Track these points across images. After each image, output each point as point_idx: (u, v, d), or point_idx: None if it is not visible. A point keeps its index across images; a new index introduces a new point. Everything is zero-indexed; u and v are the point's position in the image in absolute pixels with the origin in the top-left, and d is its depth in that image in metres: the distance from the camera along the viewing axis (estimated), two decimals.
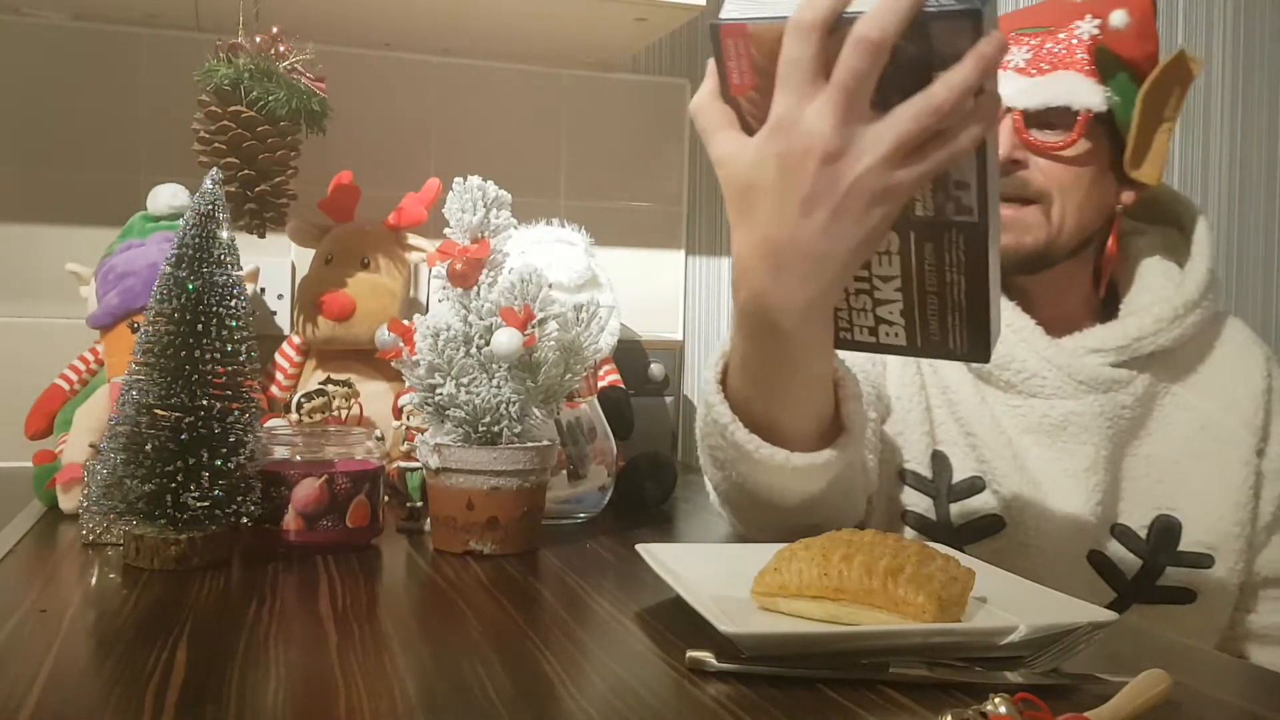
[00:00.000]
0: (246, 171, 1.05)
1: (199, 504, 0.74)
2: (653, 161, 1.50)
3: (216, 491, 0.75)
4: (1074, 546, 0.98)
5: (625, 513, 1.02)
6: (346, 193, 1.20)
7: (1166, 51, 0.99)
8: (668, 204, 1.51)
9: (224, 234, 0.78)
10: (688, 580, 0.64)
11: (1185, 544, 0.98)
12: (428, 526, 0.89)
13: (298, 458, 0.84)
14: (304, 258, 1.24)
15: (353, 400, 1.06)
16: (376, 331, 1.04)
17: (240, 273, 0.79)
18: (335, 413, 1.04)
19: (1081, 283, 1.06)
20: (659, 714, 0.49)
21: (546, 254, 1.17)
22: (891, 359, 1.03)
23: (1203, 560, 0.98)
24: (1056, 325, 1.02)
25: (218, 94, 1.04)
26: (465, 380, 0.82)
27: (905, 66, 0.58)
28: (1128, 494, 1.00)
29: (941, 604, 0.58)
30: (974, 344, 0.71)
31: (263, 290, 1.30)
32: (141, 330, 0.76)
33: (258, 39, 1.05)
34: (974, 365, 1.01)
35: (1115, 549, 0.99)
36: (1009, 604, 0.63)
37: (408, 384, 0.86)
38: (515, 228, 0.87)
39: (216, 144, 1.04)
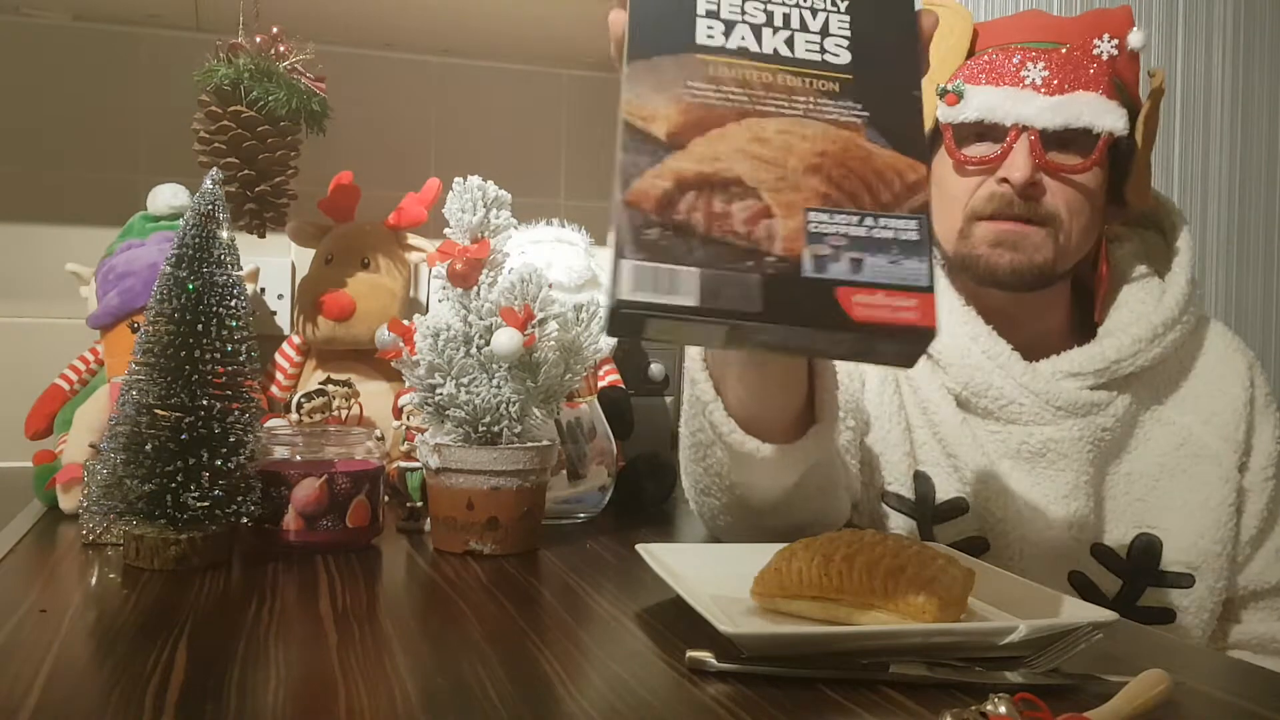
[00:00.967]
0: (246, 171, 1.05)
1: (199, 504, 0.74)
2: None
3: (216, 491, 0.75)
4: (1056, 568, 0.97)
5: (625, 513, 1.02)
6: (346, 193, 1.20)
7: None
8: None
9: (224, 234, 0.78)
10: (688, 580, 0.64)
11: (1166, 563, 0.97)
12: (428, 526, 0.89)
13: (298, 458, 0.84)
14: (304, 258, 1.24)
15: (353, 400, 1.06)
16: (376, 331, 1.03)
17: (240, 273, 0.79)
18: (335, 413, 1.04)
19: (1062, 303, 1.04)
20: (659, 714, 0.49)
21: (546, 254, 1.17)
22: (870, 375, 1.02)
23: (1183, 580, 0.97)
24: (1034, 347, 1.00)
25: (218, 94, 1.04)
26: (465, 380, 0.82)
27: None
28: (1108, 513, 0.99)
29: (942, 604, 0.58)
30: None
31: (263, 290, 1.30)
32: (141, 330, 0.76)
33: (258, 39, 1.05)
34: (953, 391, 0.99)
35: (1096, 569, 0.98)
36: (1009, 604, 0.63)
37: (408, 384, 0.86)
38: (515, 228, 0.87)
39: (216, 144, 1.04)
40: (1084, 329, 1.05)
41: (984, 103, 0.96)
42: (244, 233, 1.06)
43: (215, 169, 0.80)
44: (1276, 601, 1.01)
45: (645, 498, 1.05)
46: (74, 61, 1.26)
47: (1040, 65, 0.96)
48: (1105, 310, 1.04)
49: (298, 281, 1.22)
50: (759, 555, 0.66)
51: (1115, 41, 0.96)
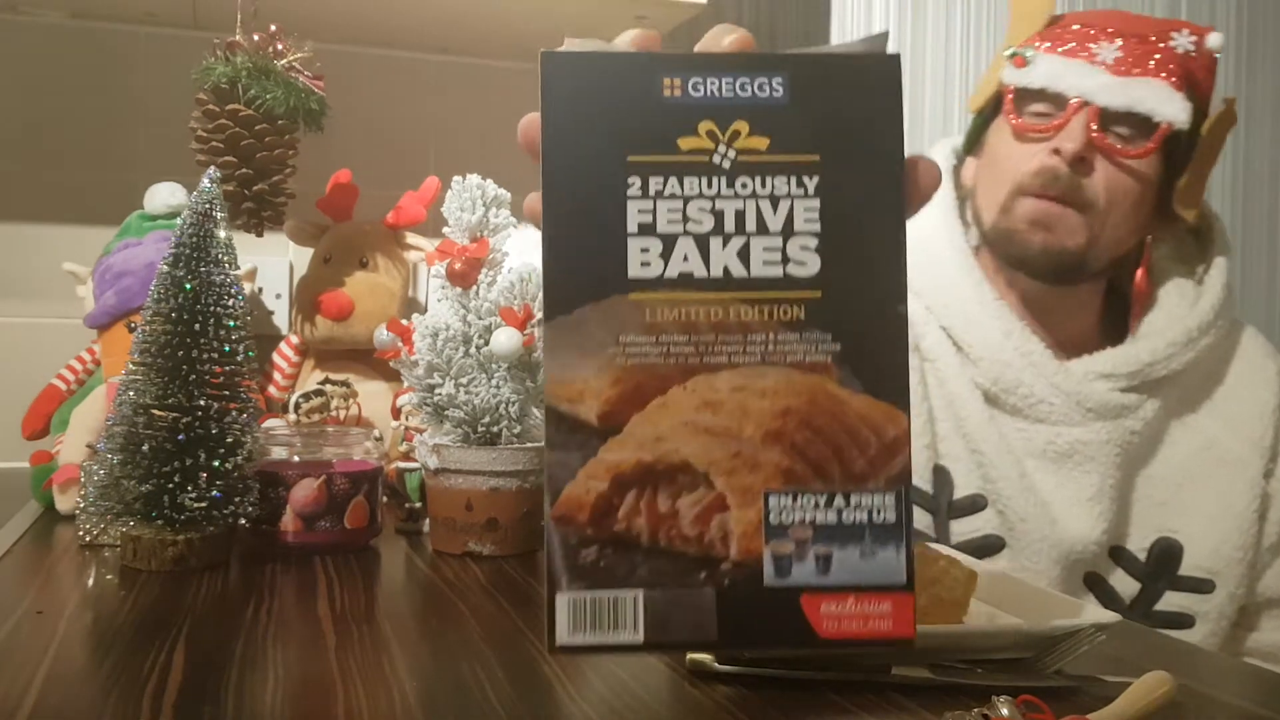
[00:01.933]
0: (244, 170, 1.05)
1: (196, 505, 0.73)
2: None
3: (214, 492, 0.74)
4: (1074, 569, 0.96)
5: None
6: (345, 192, 1.20)
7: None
8: None
9: (221, 233, 0.77)
10: None
11: (1186, 568, 0.96)
12: (426, 527, 0.89)
13: (296, 458, 0.83)
14: (302, 257, 1.24)
15: (351, 400, 1.06)
16: (375, 331, 1.03)
17: (238, 272, 0.78)
18: (333, 413, 1.04)
19: (1090, 309, 1.04)
20: (659, 716, 0.48)
21: None
22: None
23: (1203, 585, 0.96)
24: (1066, 345, 1.00)
25: (215, 92, 1.04)
26: (464, 380, 0.81)
27: None
28: (1131, 516, 0.98)
29: (944, 606, 0.57)
30: None
31: (260, 290, 1.29)
32: (139, 330, 0.76)
33: (255, 37, 1.05)
34: (982, 386, 0.98)
35: (1114, 572, 0.97)
36: (1011, 606, 0.63)
37: (406, 384, 0.86)
38: (514, 226, 0.87)
39: (214, 142, 1.04)
40: (1115, 331, 1.04)
41: (1050, 70, 0.95)
42: (242, 232, 1.06)
43: (213, 168, 0.80)
44: None
45: None
46: (71, 60, 1.26)
47: (1115, 45, 0.95)
48: (1134, 304, 1.03)
49: (296, 281, 1.22)
50: None
51: (1194, 38, 0.95)
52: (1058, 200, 0.95)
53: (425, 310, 1.34)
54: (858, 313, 0.43)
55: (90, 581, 0.72)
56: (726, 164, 0.43)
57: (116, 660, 0.54)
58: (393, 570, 0.79)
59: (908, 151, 0.44)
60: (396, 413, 1.06)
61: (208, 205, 0.77)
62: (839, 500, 0.43)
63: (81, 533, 0.81)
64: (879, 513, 0.43)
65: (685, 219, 0.43)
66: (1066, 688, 0.52)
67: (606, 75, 0.43)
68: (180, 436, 0.73)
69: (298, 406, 1.03)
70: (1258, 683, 0.58)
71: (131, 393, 0.74)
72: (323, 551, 0.81)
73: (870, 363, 0.43)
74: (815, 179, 0.43)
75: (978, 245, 1.04)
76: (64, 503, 0.90)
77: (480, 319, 0.83)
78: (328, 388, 1.05)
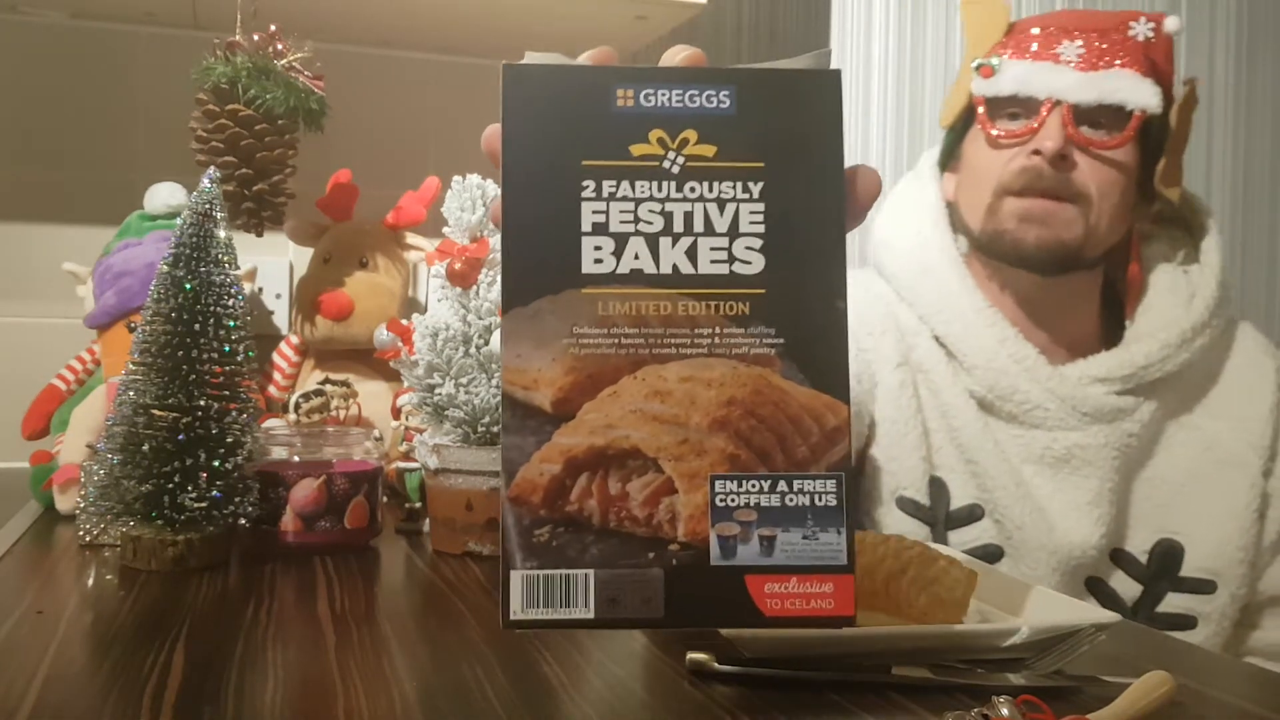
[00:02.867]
0: (244, 170, 1.05)
1: (196, 505, 0.73)
2: None
3: (214, 492, 0.74)
4: (1075, 574, 0.96)
5: None
6: (345, 191, 1.20)
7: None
8: None
9: (221, 233, 0.77)
10: None
11: (1188, 569, 0.96)
12: (426, 528, 0.89)
13: (296, 458, 0.83)
14: (302, 257, 1.24)
15: (351, 400, 1.06)
16: (375, 331, 1.03)
17: (238, 272, 0.78)
18: (333, 413, 1.04)
19: (1090, 298, 1.03)
20: (659, 716, 0.48)
21: None
22: (885, 376, 1.00)
23: (1205, 586, 0.95)
24: (1060, 348, 1.00)
25: (215, 92, 1.04)
26: (464, 380, 0.81)
27: None
28: (1131, 518, 0.98)
29: (944, 606, 0.57)
30: None
31: (260, 290, 1.29)
32: (139, 330, 0.76)
33: (255, 37, 1.05)
34: (976, 394, 0.99)
35: (1115, 575, 0.97)
36: (1012, 606, 0.63)
37: (406, 384, 0.86)
38: None
39: (214, 142, 1.04)
40: (1113, 332, 1.04)
41: (1018, 75, 0.96)
42: (241, 232, 1.06)
43: (213, 168, 0.80)
44: None
45: None
46: (71, 60, 1.26)
47: (1078, 43, 0.96)
48: (1129, 303, 1.03)
49: (296, 281, 1.22)
50: None
51: (1152, 25, 0.96)
52: (1046, 196, 0.95)
53: (425, 310, 1.34)
54: (800, 309, 0.45)
55: (90, 581, 0.72)
56: (676, 169, 0.46)
57: (116, 660, 0.54)
58: (393, 570, 0.79)
59: (890, 156, 0.46)
60: (396, 413, 1.06)
61: (208, 205, 0.77)
62: (782, 485, 0.45)
63: (81, 533, 0.81)
64: (820, 497, 0.45)
65: (636, 219, 0.45)
66: (1066, 688, 0.52)
67: (564, 86, 0.46)
68: (180, 436, 0.73)
69: (298, 406, 1.03)
70: (1258, 683, 0.58)
71: (131, 393, 0.74)
72: (323, 551, 0.81)
73: (812, 356, 0.45)
74: (760, 184, 0.46)
75: (967, 253, 1.04)
76: (64, 503, 0.90)
77: (480, 319, 0.82)
78: (328, 388, 1.05)
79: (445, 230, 0.85)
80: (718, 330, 0.45)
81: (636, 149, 0.46)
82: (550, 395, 0.45)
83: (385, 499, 0.88)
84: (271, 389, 1.16)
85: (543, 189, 0.45)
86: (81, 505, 0.81)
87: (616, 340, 0.45)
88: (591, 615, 0.44)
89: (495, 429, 0.82)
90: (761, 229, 0.46)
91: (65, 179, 1.26)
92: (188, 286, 0.75)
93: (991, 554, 0.96)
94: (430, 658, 0.56)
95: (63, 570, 0.75)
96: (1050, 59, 0.96)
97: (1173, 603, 0.96)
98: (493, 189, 0.85)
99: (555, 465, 0.45)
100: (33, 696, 0.49)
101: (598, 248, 0.45)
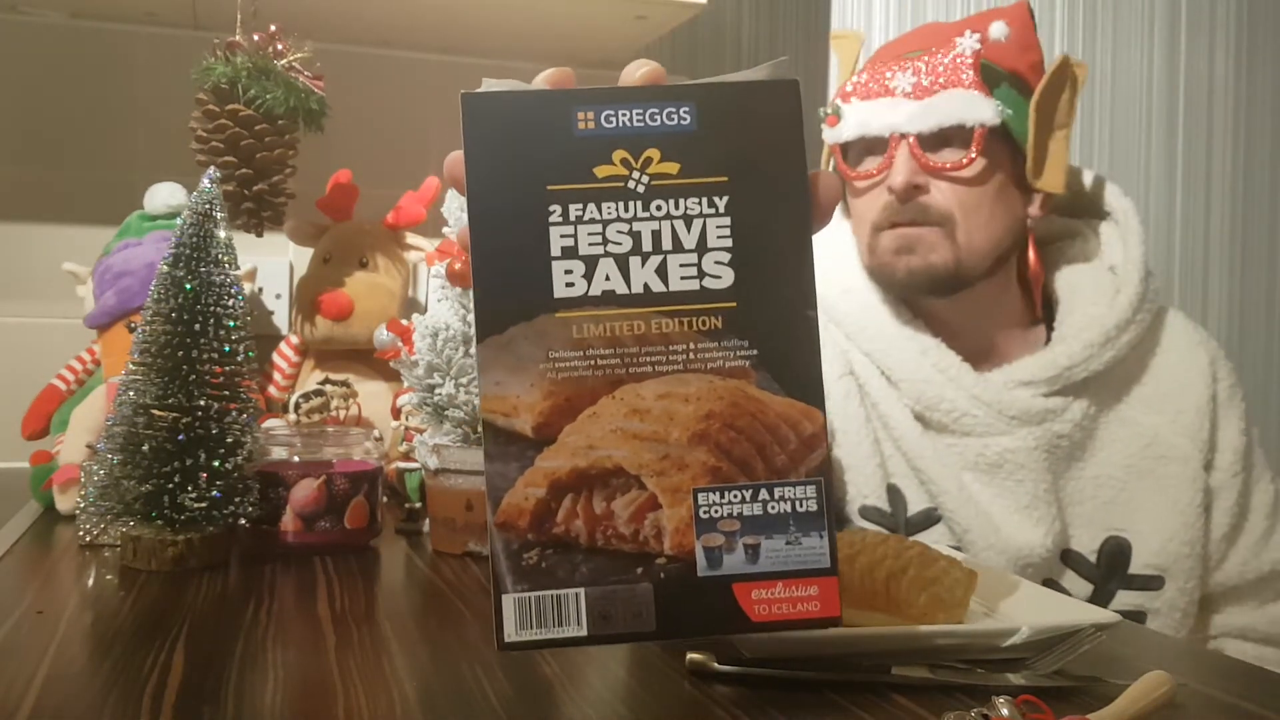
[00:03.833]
0: (244, 170, 1.05)
1: (196, 505, 0.73)
2: None
3: (214, 492, 0.74)
4: (1027, 577, 0.97)
5: None
6: (345, 192, 1.20)
7: (1050, 57, 0.99)
8: None
9: (221, 233, 0.77)
10: None
11: (1136, 566, 0.97)
12: (426, 528, 0.89)
13: (296, 458, 0.83)
14: (302, 257, 1.24)
15: (351, 400, 1.06)
16: (375, 331, 1.03)
17: (238, 272, 0.78)
18: (333, 413, 1.04)
19: (1004, 303, 1.03)
20: (659, 715, 0.48)
21: None
22: (832, 390, 1.01)
23: (1153, 582, 0.96)
24: (986, 355, 1.00)
25: (215, 92, 1.04)
26: (464, 380, 0.81)
27: None
28: (1077, 518, 0.99)
29: (944, 606, 0.57)
30: None
31: (260, 290, 1.29)
32: (138, 330, 0.76)
33: (255, 37, 1.05)
34: (909, 403, 0.99)
35: (1067, 576, 0.97)
36: (1011, 606, 0.63)
37: (406, 384, 0.86)
38: None
39: (214, 142, 1.04)
40: (1043, 331, 1.04)
41: (859, 119, 0.98)
42: (241, 232, 1.06)
43: (213, 168, 0.80)
44: (1255, 594, 1.00)
45: None
46: (71, 60, 1.26)
47: (908, 73, 0.97)
48: (1053, 308, 1.03)
49: (295, 281, 1.22)
50: None
51: (977, 36, 0.96)
52: (910, 225, 0.96)
53: (425, 310, 1.34)
54: (771, 320, 0.46)
55: (90, 581, 0.72)
56: (641, 188, 0.46)
57: (116, 660, 0.54)
58: (393, 570, 0.79)
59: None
60: (396, 413, 1.06)
61: (208, 205, 0.77)
62: (763, 493, 0.46)
63: (81, 533, 0.81)
64: (801, 503, 0.46)
65: (605, 241, 0.46)
66: (1067, 688, 0.52)
67: (524, 112, 0.46)
68: (180, 436, 0.73)
69: (298, 406, 1.03)
70: (1257, 682, 0.58)
71: (131, 393, 0.74)
72: (322, 552, 0.81)
73: (785, 365, 0.46)
74: (725, 198, 0.46)
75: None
76: (64, 503, 0.90)
77: None
78: (328, 388, 1.05)
79: (445, 230, 0.85)
80: (692, 346, 0.46)
81: (601, 171, 0.46)
82: (531, 420, 0.45)
83: (385, 499, 0.88)
84: (271, 389, 1.16)
85: (509, 216, 0.45)
86: (81, 505, 0.81)
87: (593, 362, 0.45)
88: (585, 633, 0.44)
89: None
90: (729, 243, 0.46)
91: (65, 179, 1.26)
92: (188, 286, 0.75)
93: None
94: (430, 658, 0.56)
95: (63, 570, 0.75)
96: (883, 93, 0.97)
97: (1122, 600, 0.97)
98: None
99: (540, 489, 0.45)
100: (33, 696, 0.49)
101: (568, 271, 0.45)
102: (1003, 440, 0.97)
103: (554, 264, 0.45)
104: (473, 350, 0.82)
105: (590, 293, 0.45)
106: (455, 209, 0.84)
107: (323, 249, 1.18)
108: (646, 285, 0.46)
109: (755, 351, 0.46)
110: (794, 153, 0.46)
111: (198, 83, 1.05)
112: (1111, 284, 1.01)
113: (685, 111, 0.46)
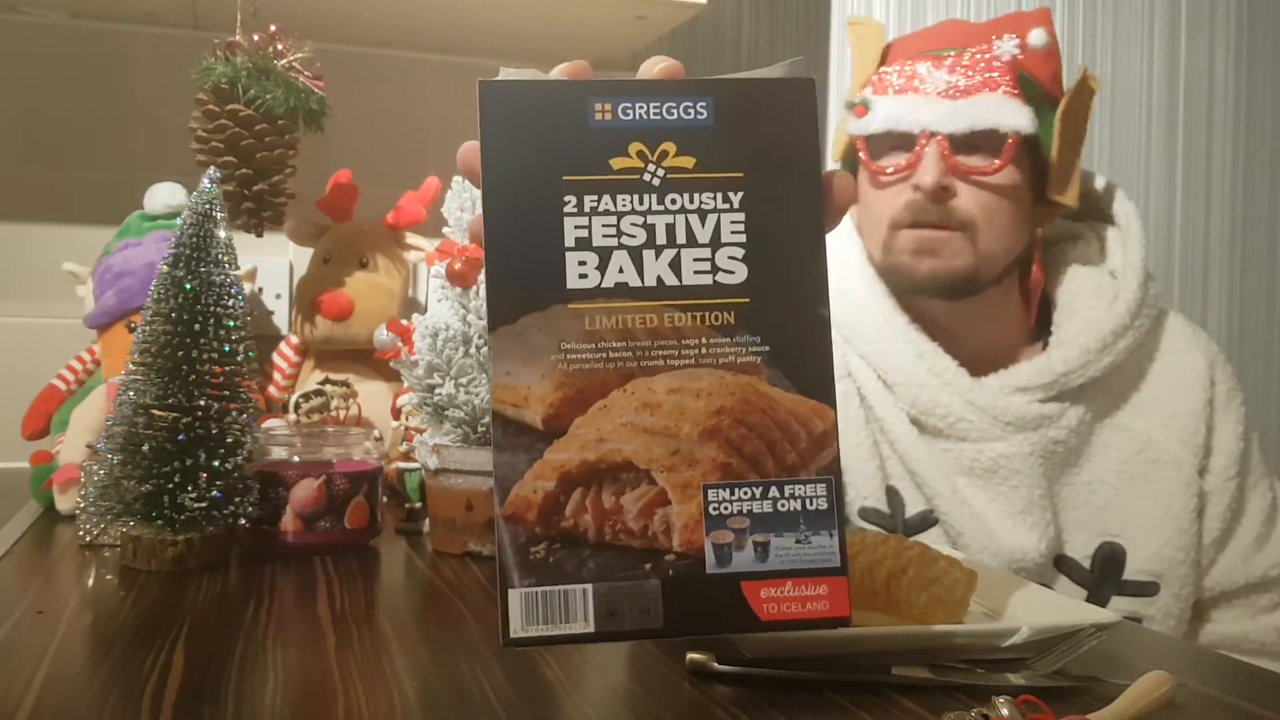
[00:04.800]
0: (244, 170, 1.05)
1: (196, 505, 0.73)
2: None
3: (214, 492, 0.74)
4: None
5: None
6: (345, 192, 1.20)
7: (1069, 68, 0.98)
8: None
9: (221, 233, 0.77)
10: None
11: (1130, 572, 0.96)
12: (426, 528, 0.89)
13: (296, 458, 0.83)
14: (302, 257, 1.24)
15: (351, 400, 1.06)
16: (375, 331, 1.03)
17: (238, 272, 0.78)
18: (333, 413, 1.04)
19: (1007, 309, 1.03)
20: (659, 715, 0.48)
21: None
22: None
23: (1148, 589, 0.96)
24: (983, 360, 1.00)
25: (215, 92, 1.04)
26: (464, 380, 0.81)
27: None
28: (1070, 523, 0.98)
29: (944, 606, 0.57)
30: None
31: (260, 290, 1.29)
32: (138, 330, 0.76)
33: (255, 37, 1.05)
34: (905, 407, 0.99)
35: (1061, 582, 0.97)
36: (1011, 606, 0.63)
37: (406, 384, 0.86)
38: None
39: (214, 143, 1.04)
40: (1039, 331, 1.04)
41: (889, 112, 0.97)
42: (241, 232, 1.06)
43: (213, 168, 0.80)
44: (1247, 601, 1.00)
45: None
46: (71, 60, 1.26)
47: (942, 71, 0.96)
48: (1051, 315, 1.03)
49: (295, 281, 1.22)
50: None
51: (1016, 41, 0.95)
52: (935, 226, 0.95)
53: (425, 310, 1.34)
54: (783, 316, 0.46)
55: (90, 581, 0.72)
56: (656, 181, 0.46)
57: (116, 660, 0.54)
58: (393, 570, 0.79)
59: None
60: (396, 413, 1.06)
61: (208, 205, 0.77)
62: (774, 491, 0.45)
63: (81, 533, 0.81)
64: (811, 501, 0.45)
65: (619, 233, 0.45)
66: (1067, 688, 0.52)
67: (541, 101, 0.46)
68: (180, 436, 0.73)
69: (298, 406, 1.03)
70: (1258, 683, 0.58)
71: (131, 393, 0.74)
72: (322, 552, 0.81)
73: (797, 362, 0.46)
74: (740, 194, 0.46)
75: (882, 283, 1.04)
76: (64, 503, 0.90)
77: (480, 319, 0.82)
78: (328, 388, 1.05)
79: (445, 230, 0.85)
80: (704, 340, 0.46)
81: (616, 162, 0.46)
82: (541, 412, 0.45)
83: (385, 499, 0.88)
84: (271, 389, 1.16)
85: (524, 206, 0.45)
86: (81, 505, 0.81)
87: (604, 354, 0.45)
88: (591, 629, 0.44)
89: None
90: (743, 238, 0.46)
91: (65, 179, 1.26)
92: (188, 286, 0.75)
93: None
94: (430, 658, 0.56)
95: (63, 570, 0.75)
96: (915, 90, 0.96)
97: (1116, 605, 0.96)
98: None
99: (549, 482, 0.45)
100: (33, 696, 0.49)
101: (582, 263, 0.45)
102: (997, 446, 0.96)
103: (568, 255, 0.45)
104: (473, 350, 0.83)
105: (603, 285, 0.45)
106: (455, 208, 0.84)
107: (323, 249, 1.18)
108: (660, 279, 0.46)
109: (767, 348, 0.46)
110: (809, 151, 0.46)
111: (198, 83, 1.05)
112: (1110, 288, 1.01)
113: (703, 106, 0.46)
